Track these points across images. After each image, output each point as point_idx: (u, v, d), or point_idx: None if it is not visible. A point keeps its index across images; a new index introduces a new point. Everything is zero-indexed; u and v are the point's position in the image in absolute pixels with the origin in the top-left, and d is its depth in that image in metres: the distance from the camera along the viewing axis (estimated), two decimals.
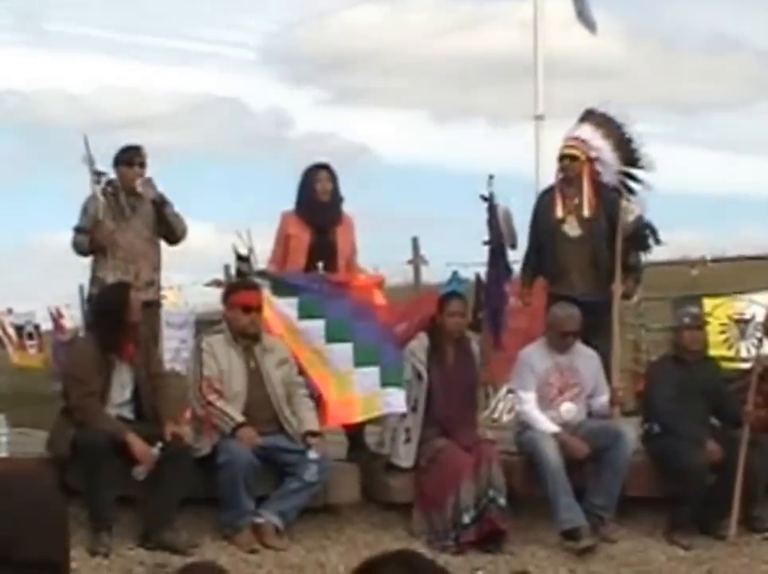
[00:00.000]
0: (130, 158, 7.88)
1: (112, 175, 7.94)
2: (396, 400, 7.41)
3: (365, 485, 7.47)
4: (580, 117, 8.32)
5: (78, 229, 7.87)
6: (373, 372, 7.49)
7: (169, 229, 7.90)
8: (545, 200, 8.22)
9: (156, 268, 7.98)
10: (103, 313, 7.16)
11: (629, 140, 8.23)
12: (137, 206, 7.89)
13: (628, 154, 8.22)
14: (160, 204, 7.83)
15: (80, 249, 7.89)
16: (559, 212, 8.06)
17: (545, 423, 7.53)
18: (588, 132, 8.18)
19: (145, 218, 7.89)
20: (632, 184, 8.24)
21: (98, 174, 7.84)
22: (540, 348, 7.73)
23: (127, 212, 7.85)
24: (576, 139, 8.16)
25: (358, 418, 7.59)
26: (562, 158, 8.15)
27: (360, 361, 7.53)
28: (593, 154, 8.13)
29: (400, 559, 2.30)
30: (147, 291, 7.79)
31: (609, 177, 8.20)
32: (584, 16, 12.07)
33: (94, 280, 7.84)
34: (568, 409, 7.60)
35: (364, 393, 7.49)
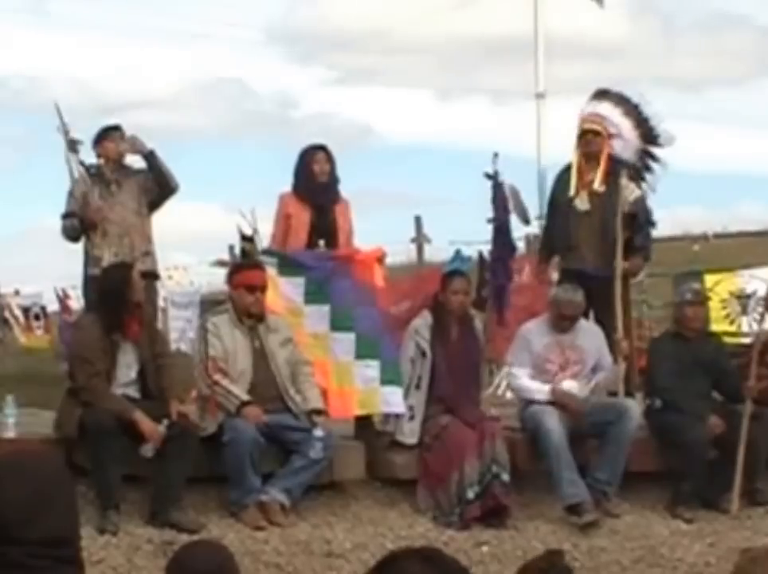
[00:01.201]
0: (111, 133, 7.92)
1: (92, 159, 7.98)
2: (394, 399, 7.45)
3: (370, 462, 7.50)
4: (594, 95, 8.37)
5: (66, 215, 7.89)
6: (373, 366, 7.53)
7: (162, 180, 7.87)
8: (563, 177, 8.29)
9: (149, 239, 8.00)
10: (106, 294, 7.17)
11: (647, 119, 8.31)
12: (122, 181, 7.92)
13: (648, 131, 8.29)
14: (151, 157, 7.84)
15: (70, 234, 7.90)
16: (573, 187, 8.13)
17: (537, 391, 7.57)
18: (608, 110, 8.25)
19: (131, 191, 7.92)
20: (650, 162, 8.33)
21: (73, 143, 7.86)
22: (541, 325, 7.76)
23: (113, 187, 7.89)
24: (597, 115, 8.23)
25: (357, 412, 7.62)
26: (586, 133, 8.20)
27: (361, 354, 7.55)
28: (612, 131, 8.20)
29: (422, 555, 2.32)
30: (145, 261, 7.82)
31: (628, 154, 8.27)
32: None
33: (90, 260, 7.85)
34: (570, 386, 7.64)
35: (364, 386, 7.52)
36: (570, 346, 7.70)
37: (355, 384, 7.54)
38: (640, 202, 8.17)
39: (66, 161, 7.88)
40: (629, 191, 8.08)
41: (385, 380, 7.50)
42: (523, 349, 7.73)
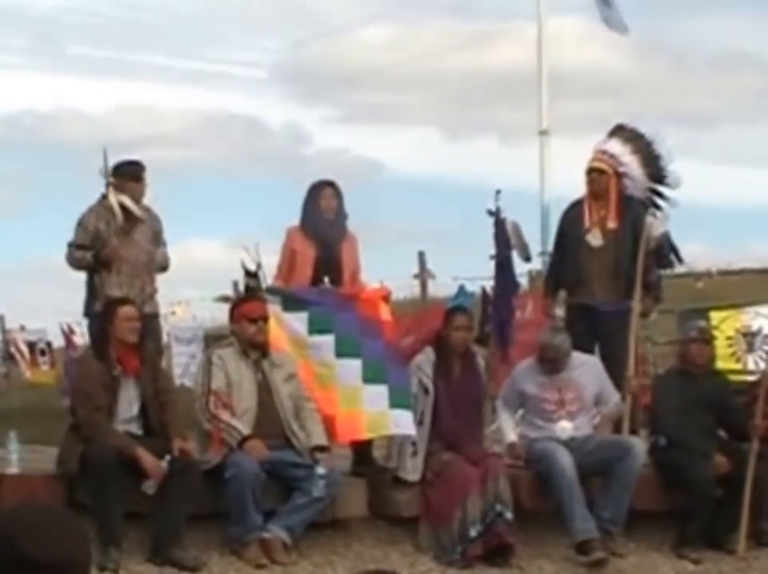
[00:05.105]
0: (137, 173, 7.96)
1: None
2: (405, 421, 7.40)
3: (372, 499, 7.46)
4: (610, 131, 8.40)
5: (76, 245, 7.89)
6: (381, 391, 7.48)
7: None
8: (572, 212, 8.32)
9: (154, 280, 8.09)
10: (94, 328, 7.32)
11: (657, 157, 8.35)
12: (136, 220, 7.96)
13: (656, 171, 8.33)
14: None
15: (80, 265, 7.91)
16: (586, 223, 8.14)
17: (506, 435, 7.70)
18: (617, 147, 8.29)
19: (144, 231, 7.97)
20: (658, 200, 8.37)
21: (115, 186, 7.90)
22: (534, 364, 7.76)
23: (128, 227, 7.92)
24: (605, 153, 8.26)
25: (366, 435, 7.57)
26: (590, 171, 8.23)
27: (369, 378, 7.51)
28: (621, 169, 8.21)
29: None
30: (151, 303, 7.90)
31: (637, 192, 8.30)
32: (612, 20, 12.09)
33: (99, 297, 7.84)
34: (563, 428, 7.62)
35: (373, 408, 7.46)
36: (566, 383, 7.67)
37: (363, 407, 7.47)
38: (665, 238, 8.18)
39: (111, 201, 7.90)
40: (655, 228, 8.10)
41: (394, 404, 7.45)
42: (512, 390, 7.78)
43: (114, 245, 7.82)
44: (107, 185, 7.87)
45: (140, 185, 7.95)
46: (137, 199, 7.93)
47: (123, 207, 7.88)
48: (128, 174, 7.92)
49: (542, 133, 10.22)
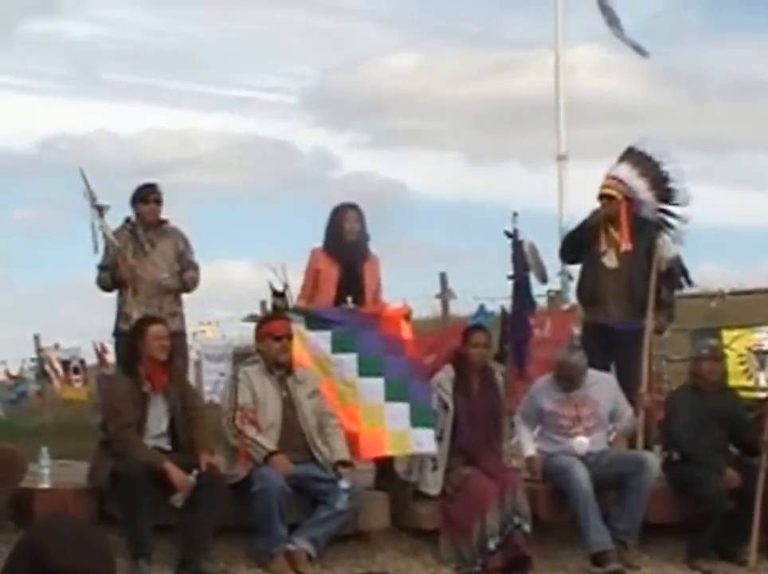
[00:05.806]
0: (145, 195, 8.17)
1: (131, 214, 8.24)
2: (426, 439, 7.54)
3: (394, 512, 7.59)
4: (621, 155, 8.56)
5: (102, 267, 8.17)
6: (403, 409, 7.62)
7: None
8: (592, 232, 8.46)
9: (178, 300, 8.26)
10: (125, 346, 7.49)
11: (666, 178, 8.48)
12: (156, 241, 8.17)
13: (665, 191, 8.47)
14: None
15: (103, 285, 8.18)
16: (602, 246, 8.33)
17: (525, 449, 7.89)
18: (625, 171, 8.43)
19: (164, 251, 8.16)
20: (670, 220, 8.50)
21: (99, 209, 8.10)
22: (551, 382, 7.92)
23: (146, 247, 8.13)
24: (614, 178, 8.41)
25: (388, 452, 7.70)
26: (601, 197, 8.41)
27: (391, 396, 7.65)
28: (630, 193, 8.38)
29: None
30: (173, 321, 8.02)
31: (649, 214, 8.46)
32: (629, 42, 12.34)
33: (121, 315, 8.09)
34: (580, 443, 7.78)
35: (394, 427, 7.60)
36: (582, 400, 7.84)
37: (386, 425, 7.61)
38: (676, 261, 8.36)
39: (91, 227, 8.14)
40: (666, 250, 8.28)
41: (416, 423, 7.60)
42: (529, 406, 7.95)
43: (129, 266, 8.02)
44: (91, 206, 8.05)
45: (148, 206, 8.13)
46: (146, 221, 8.15)
47: (133, 232, 8.12)
48: (137, 197, 8.16)
49: (561, 158, 10.43)
